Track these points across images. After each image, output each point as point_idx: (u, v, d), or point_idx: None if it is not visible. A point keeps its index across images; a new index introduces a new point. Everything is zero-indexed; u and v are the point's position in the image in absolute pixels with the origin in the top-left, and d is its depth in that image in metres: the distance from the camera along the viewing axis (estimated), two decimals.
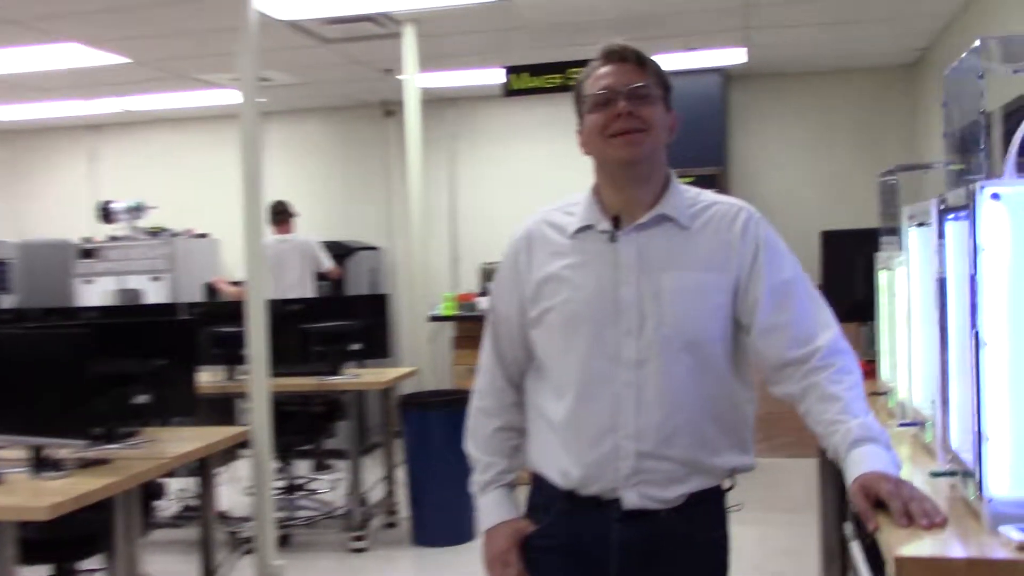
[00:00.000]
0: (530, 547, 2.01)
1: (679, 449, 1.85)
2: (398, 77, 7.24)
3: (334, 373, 5.47)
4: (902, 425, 2.36)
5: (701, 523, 1.93)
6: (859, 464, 1.70)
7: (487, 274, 8.12)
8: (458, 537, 5.31)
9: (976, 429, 1.56)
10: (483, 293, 7.49)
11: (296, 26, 5.95)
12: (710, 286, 1.86)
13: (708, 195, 1.96)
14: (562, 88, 6.15)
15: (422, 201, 6.05)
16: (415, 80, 6.00)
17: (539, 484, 2.00)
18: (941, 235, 1.83)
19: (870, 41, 7.01)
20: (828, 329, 1.88)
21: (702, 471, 1.89)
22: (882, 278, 2.86)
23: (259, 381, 4.15)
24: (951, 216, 1.82)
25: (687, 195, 1.94)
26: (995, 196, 1.53)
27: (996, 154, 2.02)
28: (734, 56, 7.10)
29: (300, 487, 6.11)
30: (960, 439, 1.83)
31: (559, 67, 6.18)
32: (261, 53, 4.23)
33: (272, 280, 6.96)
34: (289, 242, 7.29)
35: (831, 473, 3.86)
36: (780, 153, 7.75)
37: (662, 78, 1.92)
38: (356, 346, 5.59)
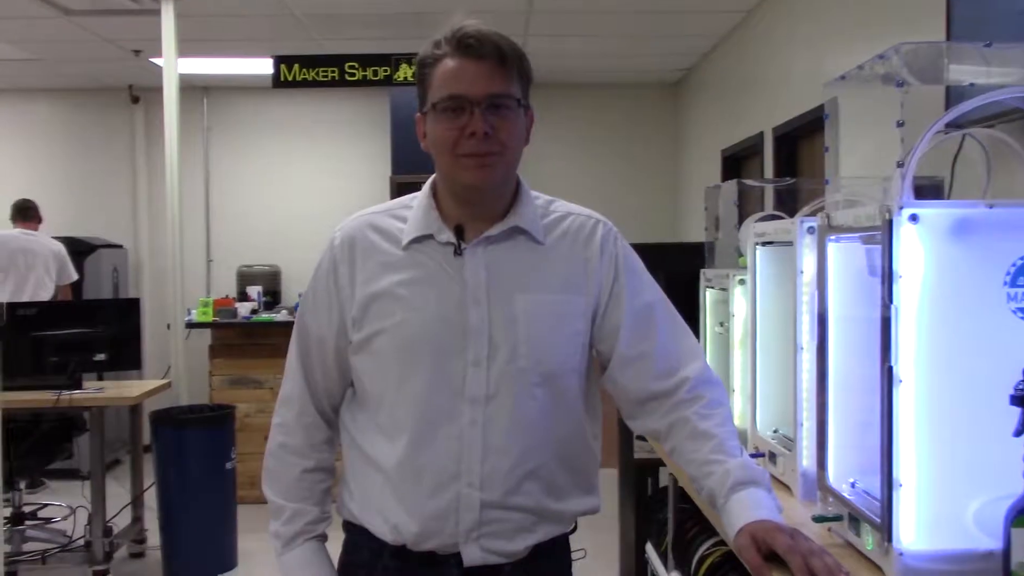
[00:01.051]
0: None
1: (528, 497, 1.62)
2: (150, 60, 6.64)
3: (74, 386, 4.85)
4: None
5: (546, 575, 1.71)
6: (743, 512, 1.50)
7: (245, 277, 7.60)
8: (215, 567, 4.88)
9: (887, 474, 1.42)
10: (243, 297, 6.98)
11: None
12: (568, 310, 1.64)
13: (560, 204, 1.73)
14: (339, 83, 5.79)
15: (178, 197, 5.50)
16: (174, 63, 5.44)
17: (360, 537, 1.70)
18: (823, 257, 1.70)
19: (639, 58, 7.12)
20: (695, 358, 1.69)
21: (551, 519, 1.66)
22: (708, 296, 2.76)
23: None
24: (833, 237, 1.69)
25: (538, 203, 1.70)
26: (913, 218, 1.40)
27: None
28: None
29: (30, 515, 5.38)
30: (838, 478, 1.71)
31: (336, 60, 5.82)
32: None
33: (10, 277, 6.17)
34: (38, 240, 6.45)
35: (631, 487, 3.78)
36: (549, 163, 7.74)
37: (524, 72, 1.63)
38: (100, 356, 5.02)
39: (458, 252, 1.62)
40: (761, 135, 5.43)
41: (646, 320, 1.67)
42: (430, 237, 1.64)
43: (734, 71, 6.24)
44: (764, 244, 2.23)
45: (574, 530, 1.77)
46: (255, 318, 6.39)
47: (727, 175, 6.31)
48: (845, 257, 1.68)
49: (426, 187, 1.70)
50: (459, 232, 1.63)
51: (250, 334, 6.31)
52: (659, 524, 3.23)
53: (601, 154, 8.06)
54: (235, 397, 6.06)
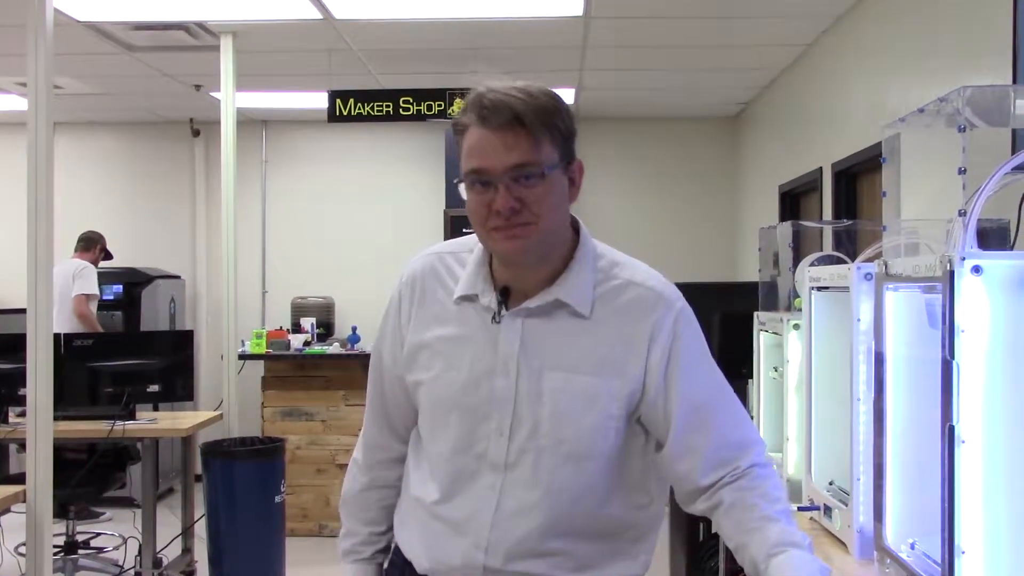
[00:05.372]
0: None
1: (535, 566, 1.58)
2: (210, 94, 6.74)
3: (128, 417, 4.90)
4: (801, 509, 2.16)
5: None
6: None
7: (299, 309, 7.64)
8: None
9: (948, 540, 1.34)
10: (296, 329, 7.01)
11: (97, 29, 5.35)
12: (602, 393, 1.55)
13: (626, 270, 1.61)
14: (393, 117, 5.82)
15: (234, 228, 5.55)
16: (231, 97, 5.51)
17: (398, 548, 1.75)
18: (880, 305, 1.63)
19: (697, 92, 7.05)
20: (749, 449, 1.58)
21: None
22: (762, 340, 2.68)
23: (42, 429, 3.56)
24: (891, 286, 1.62)
25: (599, 264, 1.60)
26: (976, 270, 1.33)
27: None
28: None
29: (83, 544, 5.42)
30: (896, 538, 1.62)
31: (391, 95, 5.85)
32: (54, 57, 3.67)
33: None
34: (61, 267, 6.35)
35: (682, 531, 3.69)
36: (603, 197, 7.66)
37: (557, 129, 1.51)
38: (154, 387, 5.07)
39: (495, 319, 1.58)
40: (820, 171, 5.33)
41: (701, 416, 1.57)
42: (476, 297, 1.61)
43: (793, 105, 6.15)
44: (819, 289, 2.15)
45: None
46: (308, 350, 6.41)
47: (784, 212, 6.21)
48: (904, 305, 1.61)
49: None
50: (505, 293, 1.58)
51: (302, 366, 6.33)
52: (712, 572, 3.14)
53: (657, 189, 7.99)
54: (287, 429, 6.07)
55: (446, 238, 7.25)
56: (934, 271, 1.39)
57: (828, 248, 3.99)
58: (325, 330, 7.33)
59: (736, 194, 7.91)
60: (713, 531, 3.68)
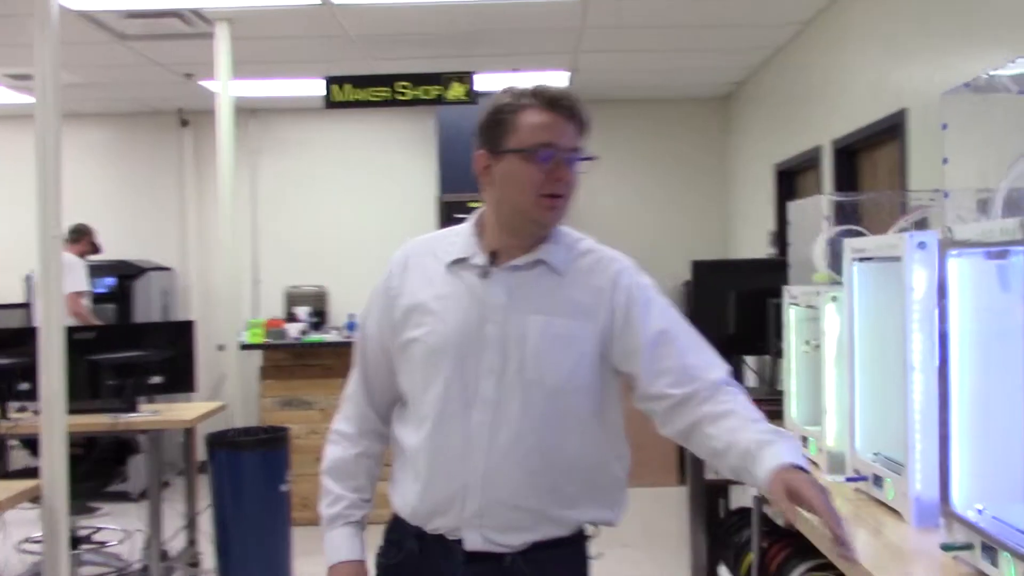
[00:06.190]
0: None
1: (526, 498, 1.78)
2: (202, 83, 6.67)
3: (130, 409, 4.85)
4: (848, 480, 2.17)
5: (552, 571, 1.83)
6: (773, 457, 1.62)
7: (292, 298, 7.60)
8: None
9: None
10: (290, 318, 6.97)
11: (89, 18, 5.28)
12: (577, 334, 1.82)
13: (587, 243, 1.92)
14: (390, 102, 5.78)
15: (232, 218, 5.50)
16: (227, 85, 5.45)
17: (394, 518, 1.92)
18: (943, 273, 1.62)
19: (690, 72, 7.06)
20: (714, 368, 1.81)
21: (551, 521, 1.82)
22: (792, 314, 2.68)
23: (56, 423, 3.51)
24: (955, 252, 1.62)
25: (567, 239, 1.89)
26: None
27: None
28: (555, 80, 6.97)
29: (84, 539, 5.37)
30: (962, 505, 1.63)
31: (387, 79, 5.80)
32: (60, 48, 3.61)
33: None
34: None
35: (701, 509, 3.69)
36: (593, 179, 7.61)
37: (589, 130, 1.84)
38: (155, 379, 5.02)
39: (485, 275, 1.82)
40: (818, 149, 5.34)
41: (663, 341, 1.81)
42: (466, 260, 1.84)
43: (789, 84, 6.16)
44: (861, 260, 2.15)
45: (594, 534, 1.89)
46: (305, 339, 6.37)
47: (781, 190, 6.23)
48: (968, 272, 1.61)
49: (472, 219, 1.90)
50: (493, 256, 1.82)
51: (300, 355, 6.29)
52: (736, 548, 3.14)
53: (648, 170, 8.00)
54: (286, 419, 6.03)
55: (439, 223, 7.27)
56: (1013, 234, 1.38)
57: (831, 224, 4.00)
58: (319, 318, 7.29)
59: (729, 173, 7.93)
60: (734, 507, 3.70)
